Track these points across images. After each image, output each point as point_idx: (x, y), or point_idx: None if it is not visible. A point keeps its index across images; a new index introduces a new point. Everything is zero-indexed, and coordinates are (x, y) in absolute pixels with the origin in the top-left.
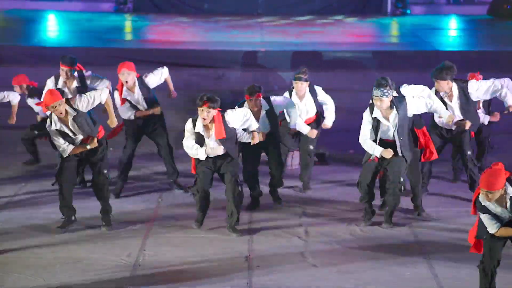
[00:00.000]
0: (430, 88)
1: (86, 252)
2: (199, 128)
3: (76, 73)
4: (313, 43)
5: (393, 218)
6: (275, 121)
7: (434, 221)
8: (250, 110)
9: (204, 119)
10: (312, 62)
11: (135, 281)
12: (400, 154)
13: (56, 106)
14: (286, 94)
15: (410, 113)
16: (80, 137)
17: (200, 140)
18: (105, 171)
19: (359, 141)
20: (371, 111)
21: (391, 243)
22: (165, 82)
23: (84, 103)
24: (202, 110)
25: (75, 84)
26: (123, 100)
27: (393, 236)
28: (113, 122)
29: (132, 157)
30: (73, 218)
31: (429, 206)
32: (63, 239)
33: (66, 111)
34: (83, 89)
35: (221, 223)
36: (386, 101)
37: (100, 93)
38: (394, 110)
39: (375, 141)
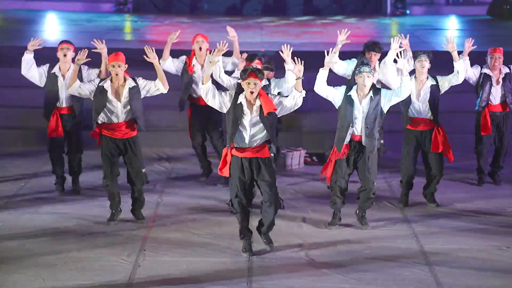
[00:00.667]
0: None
1: (86, 252)
2: (242, 100)
3: (72, 65)
4: (313, 43)
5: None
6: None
7: (435, 222)
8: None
9: (252, 92)
10: (312, 62)
11: (135, 281)
12: (364, 143)
13: (115, 66)
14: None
15: (384, 106)
16: (119, 109)
17: (238, 115)
18: (143, 170)
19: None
20: (348, 89)
21: (391, 244)
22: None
23: (145, 83)
24: (249, 83)
25: (70, 71)
26: (191, 69)
27: (393, 237)
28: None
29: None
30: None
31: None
32: (63, 239)
33: (125, 79)
34: (78, 77)
35: (221, 224)
36: (370, 81)
37: (156, 83)
38: (369, 96)
39: (347, 128)
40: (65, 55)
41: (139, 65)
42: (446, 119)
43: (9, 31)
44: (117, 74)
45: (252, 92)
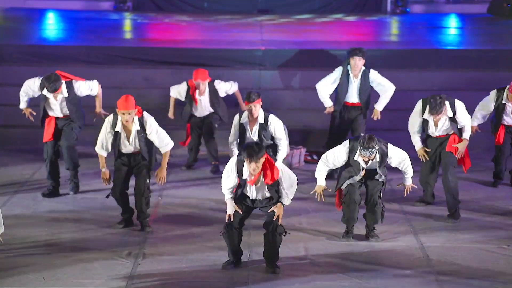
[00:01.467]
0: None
1: (86, 251)
2: (246, 173)
3: (64, 85)
4: (313, 41)
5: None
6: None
7: (435, 220)
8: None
9: (252, 174)
10: (312, 60)
11: (134, 280)
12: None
13: (125, 114)
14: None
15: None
16: (130, 148)
17: (243, 183)
18: (148, 180)
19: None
20: (352, 155)
21: (391, 243)
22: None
23: (150, 131)
24: (250, 166)
25: (62, 95)
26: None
27: (393, 235)
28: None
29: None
30: None
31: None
32: (63, 238)
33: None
34: (71, 98)
35: (221, 223)
36: (374, 155)
37: (159, 146)
38: (376, 159)
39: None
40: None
41: (139, 63)
42: None
43: (9, 29)
44: (127, 121)
45: (252, 174)
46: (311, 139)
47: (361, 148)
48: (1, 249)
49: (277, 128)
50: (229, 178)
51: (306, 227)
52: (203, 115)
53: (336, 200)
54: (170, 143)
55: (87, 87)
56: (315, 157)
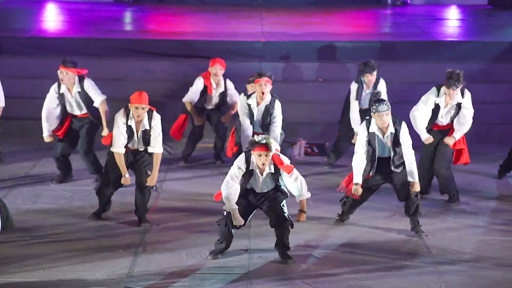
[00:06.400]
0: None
1: (86, 243)
2: (255, 168)
3: (77, 78)
4: (313, 33)
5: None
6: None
7: (436, 214)
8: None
9: (264, 164)
10: (312, 52)
11: (135, 272)
12: (393, 169)
13: (138, 108)
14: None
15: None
16: (136, 145)
17: (250, 179)
18: (149, 172)
19: (352, 164)
20: (368, 126)
21: (393, 237)
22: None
23: (153, 131)
24: (260, 155)
25: (76, 89)
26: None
27: (394, 230)
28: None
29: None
30: None
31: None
32: (63, 230)
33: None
34: (84, 94)
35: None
36: (388, 117)
37: (153, 146)
38: (391, 128)
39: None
40: (62, 79)
41: (139, 55)
42: None
43: (9, 21)
44: (139, 116)
45: (264, 164)
46: (312, 131)
47: (376, 105)
48: (1, 241)
49: (278, 109)
50: (239, 170)
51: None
52: (213, 107)
53: (344, 182)
54: (161, 148)
55: (94, 90)
56: (315, 149)
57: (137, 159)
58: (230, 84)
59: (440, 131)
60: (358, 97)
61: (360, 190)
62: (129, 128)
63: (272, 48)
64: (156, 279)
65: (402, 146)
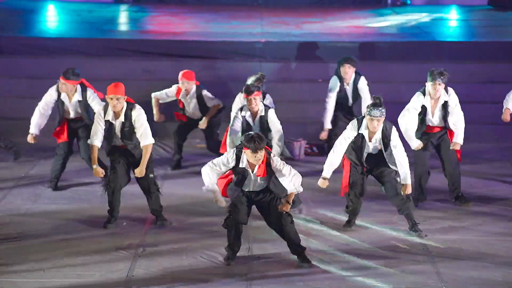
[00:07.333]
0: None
1: (86, 244)
2: (245, 162)
3: (79, 87)
4: (313, 33)
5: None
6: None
7: (435, 213)
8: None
9: (258, 161)
10: (312, 52)
11: (135, 272)
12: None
13: (113, 99)
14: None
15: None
16: (119, 141)
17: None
18: (151, 175)
19: (327, 159)
20: (358, 126)
21: (391, 236)
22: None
23: (138, 124)
24: (255, 156)
25: (76, 97)
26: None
27: (393, 229)
28: None
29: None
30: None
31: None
32: (64, 230)
33: (122, 110)
34: (84, 103)
35: (222, 215)
36: (380, 124)
37: (141, 139)
38: (379, 133)
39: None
40: (61, 88)
41: (139, 55)
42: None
43: (9, 21)
44: (114, 106)
45: (256, 161)
46: (311, 131)
47: (371, 108)
48: (0, 241)
49: (273, 119)
50: (224, 166)
51: (306, 219)
52: (194, 117)
53: (342, 185)
54: (149, 139)
55: (97, 103)
56: (315, 149)
57: (135, 161)
58: (204, 91)
59: (431, 135)
60: (337, 91)
61: (326, 184)
62: (107, 122)
63: (272, 48)
64: (156, 280)
65: (394, 151)
